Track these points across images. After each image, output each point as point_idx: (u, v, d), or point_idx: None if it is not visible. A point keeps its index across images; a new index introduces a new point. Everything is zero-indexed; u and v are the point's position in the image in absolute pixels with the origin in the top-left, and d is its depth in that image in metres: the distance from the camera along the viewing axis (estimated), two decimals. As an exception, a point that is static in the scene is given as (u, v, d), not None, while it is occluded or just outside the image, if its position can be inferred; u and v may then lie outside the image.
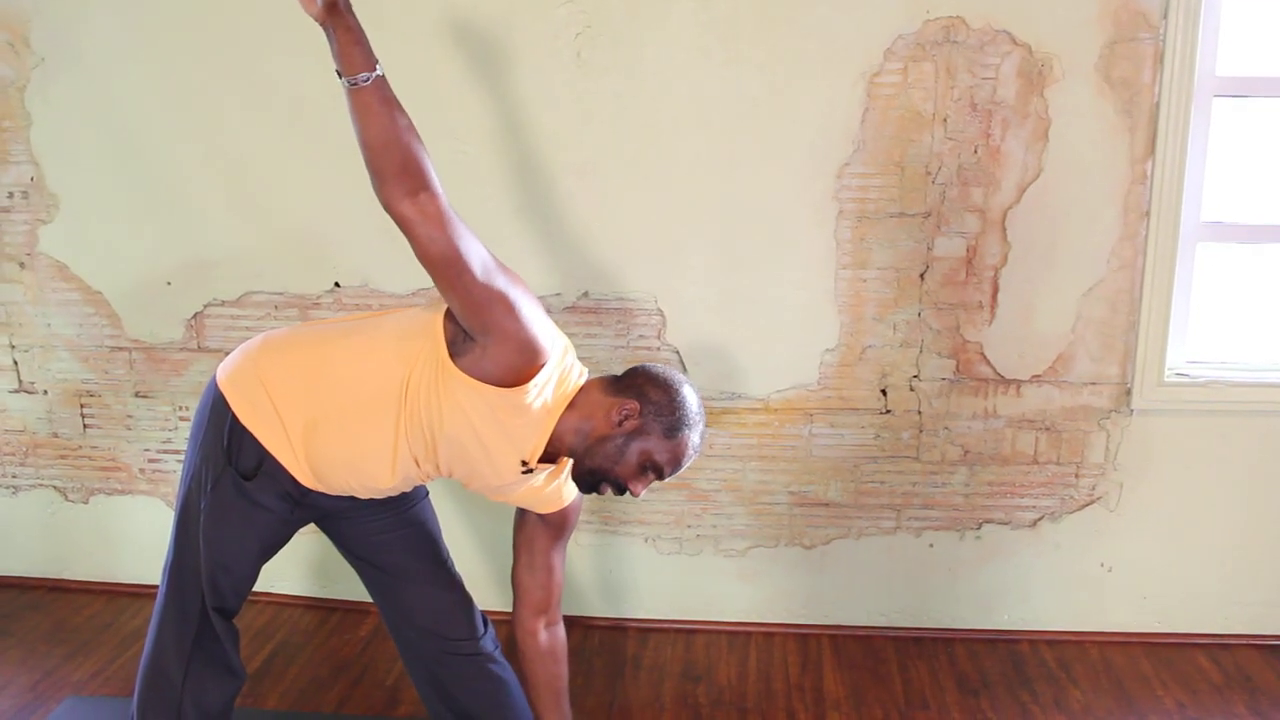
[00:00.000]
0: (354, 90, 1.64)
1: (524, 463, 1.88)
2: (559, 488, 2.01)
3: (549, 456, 1.92)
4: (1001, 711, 2.60)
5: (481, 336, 1.76)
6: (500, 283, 1.74)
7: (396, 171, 1.65)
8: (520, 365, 1.78)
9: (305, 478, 1.91)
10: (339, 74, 1.66)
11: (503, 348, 1.76)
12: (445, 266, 1.69)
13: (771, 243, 2.69)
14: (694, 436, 1.89)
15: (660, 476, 1.89)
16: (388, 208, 1.67)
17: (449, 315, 1.84)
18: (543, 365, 1.81)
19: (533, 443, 1.87)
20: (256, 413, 1.89)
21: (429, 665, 2.17)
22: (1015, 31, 2.52)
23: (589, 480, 1.90)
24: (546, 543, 2.07)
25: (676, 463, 1.88)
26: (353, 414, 1.86)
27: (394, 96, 1.68)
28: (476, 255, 1.71)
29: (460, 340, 1.80)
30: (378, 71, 1.65)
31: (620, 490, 1.88)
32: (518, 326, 1.75)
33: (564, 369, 1.89)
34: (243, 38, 2.68)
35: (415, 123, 1.71)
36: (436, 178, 1.69)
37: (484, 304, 1.73)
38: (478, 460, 1.88)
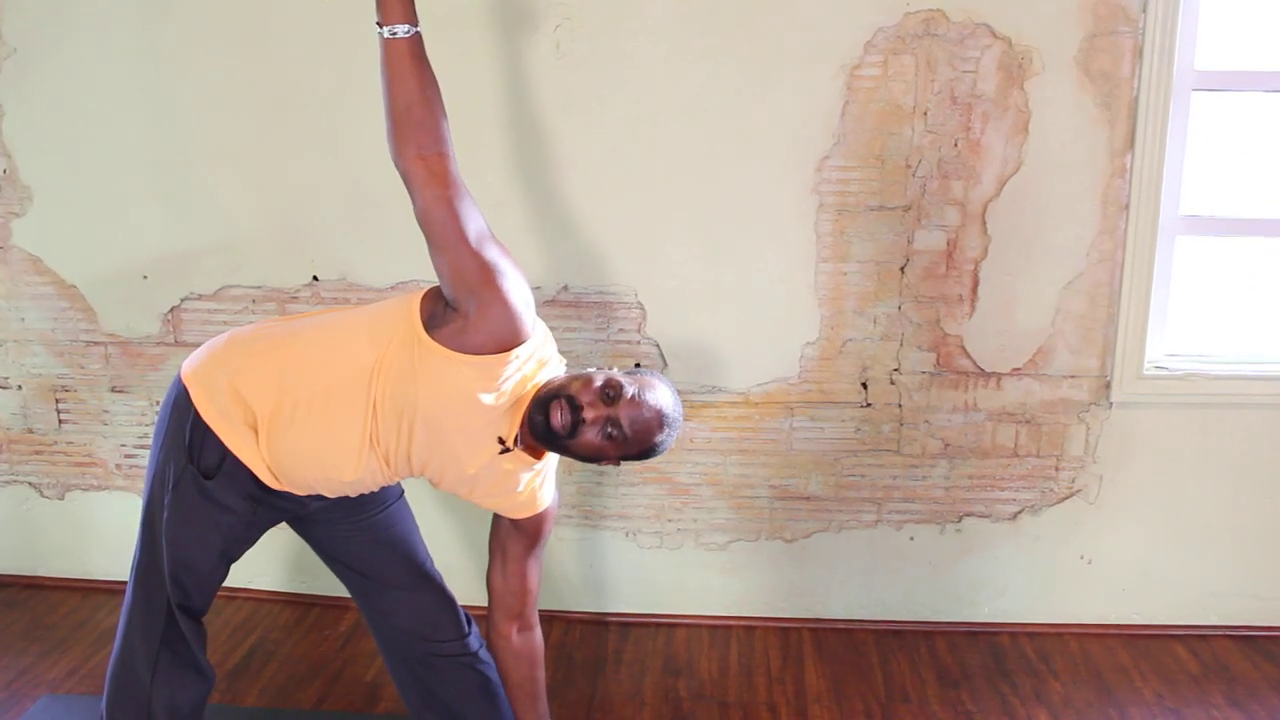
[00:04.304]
0: (389, 41, 1.70)
1: (501, 440, 1.86)
2: (534, 493, 1.97)
3: (531, 449, 1.91)
4: (982, 703, 2.60)
5: (466, 303, 1.76)
6: (492, 253, 1.77)
7: (414, 129, 1.71)
8: (503, 335, 1.78)
9: (267, 476, 1.88)
10: (378, 24, 1.71)
11: (486, 316, 1.76)
12: (443, 227, 1.73)
13: (752, 236, 2.68)
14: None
15: (610, 384, 1.81)
16: (398, 162, 1.73)
17: (425, 298, 1.84)
18: (524, 341, 1.81)
19: (509, 419, 1.85)
20: (219, 409, 1.86)
21: (411, 666, 2.15)
22: (995, 25, 2.52)
23: (542, 403, 1.80)
24: (520, 550, 2.03)
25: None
26: (321, 400, 1.83)
27: (426, 57, 1.74)
28: (474, 222, 1.76)
29: (439, 315, 1.81)
30: (416, 28, 1.71)
31: (574, 410, 1.77)
32: (503, 297, 1.76)
33: (543, 357, 1.89)
34: (220, 30, 2.65)
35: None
36: (451, 144, 1.76)
37: (473, 270, 1.75)
38: (454, 442, 1.84)
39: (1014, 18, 2.51)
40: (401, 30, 1.70)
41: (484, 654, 2.17)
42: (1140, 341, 2.68)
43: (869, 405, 2.79)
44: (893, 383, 2.77)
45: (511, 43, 2.59)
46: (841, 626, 2.94)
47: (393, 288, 2.78)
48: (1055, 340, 2.72)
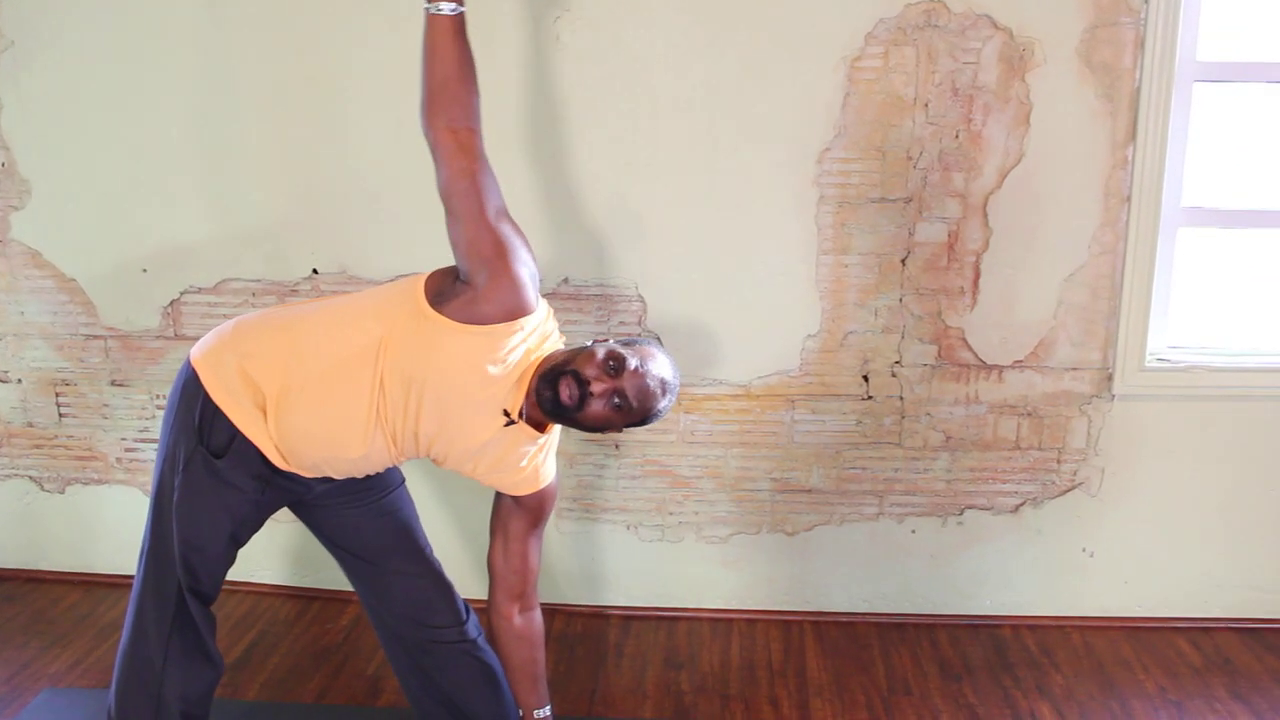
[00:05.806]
0: (434, 17, 1.81)
1: (506, 412, 1.89)
2: (536, 469, 2.00)
3: (534, 423, 1.94)
4: (984, 696, 2.60)
5: (478, 274, 1.83)
6: (506, 229, 1.87)
7: (448, 102, 1.82)
8: (510, 305, 1.85)
9: (275, 456, 1.91)
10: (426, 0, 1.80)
11: (496, 286, 1.83)
12: (464, 199, 1.83)
13: (753, 228, 2.68)
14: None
15: (612, 356, 1.85)
16: (428, 133, 1.83)
17: (430, 278, 1.90)
18: (530, 312, 1.87)
19: (514, 392, 1.89)
20: (228, 390, 1.89)
21: (411, 653, 2.16)
22: (996, 16, 2.51)
23: (549, 379, 1.84)
24: (522, 528, 2.06)
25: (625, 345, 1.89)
26: (328, 378, 1.86)
27: (467, 36, 1.83)
28: (494, 198, 1.87)
29: (445, 292, 1.86)
30: (462, 7, 1.81)
31: (581, 385, 1.81)
32: (512, 269, 1.84)
33: (546, 331, 1.94)
34: (218, 22, 2.64)
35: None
36: (481, 122, 1.86)
37: (489, 243, 1.83)
38: (460, 415, 1.88)
39: (1015, 9, 2.50)
40: (447, 8, 1.80)
41: (483, 642, 2.18)
42: (1142, 334, 2.68)
43: (870, 398, 2.79)
44: (894, 375, 2.76)
45: (512, 35, 2.58)
46: (843, 619, 2.94)
47: (392, 280, 2.76)
48: (1057, 333, 2.71)
